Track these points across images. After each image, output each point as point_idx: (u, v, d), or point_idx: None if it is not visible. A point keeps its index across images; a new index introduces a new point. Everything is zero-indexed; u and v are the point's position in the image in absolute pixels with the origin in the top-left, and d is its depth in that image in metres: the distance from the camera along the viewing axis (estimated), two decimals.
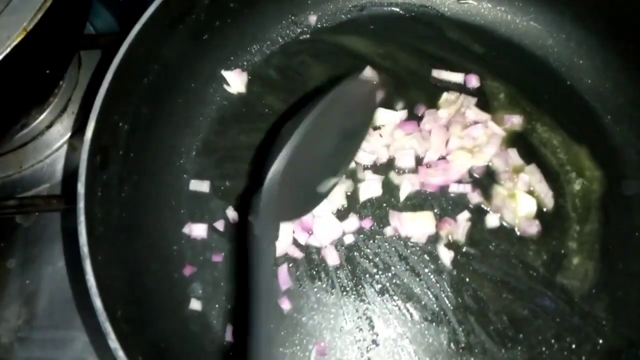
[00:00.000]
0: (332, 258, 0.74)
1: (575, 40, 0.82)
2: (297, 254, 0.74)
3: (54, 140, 0.91)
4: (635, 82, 0.78)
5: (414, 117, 0.81)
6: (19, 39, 0.62)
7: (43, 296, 0.83)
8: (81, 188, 0.59)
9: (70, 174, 0.89)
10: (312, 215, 0.75)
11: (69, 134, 0.91)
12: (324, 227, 0.74)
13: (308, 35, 0.87)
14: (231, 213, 0.76)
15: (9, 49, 0.62)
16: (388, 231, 0.75)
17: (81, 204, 0.58)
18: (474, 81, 0.82)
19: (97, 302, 0.55)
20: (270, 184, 0.56)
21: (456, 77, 0.83)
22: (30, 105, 0.80)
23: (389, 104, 0.82)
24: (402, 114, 0.81)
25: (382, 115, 0.80)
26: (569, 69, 0.83)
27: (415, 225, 0.74)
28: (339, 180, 0.70)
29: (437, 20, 0.87)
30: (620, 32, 0.77)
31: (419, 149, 0.79)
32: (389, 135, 0.80)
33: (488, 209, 0.76)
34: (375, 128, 0.80)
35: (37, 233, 0.87)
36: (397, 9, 0.88)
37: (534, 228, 0.74)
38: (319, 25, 0.88)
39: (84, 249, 0.57)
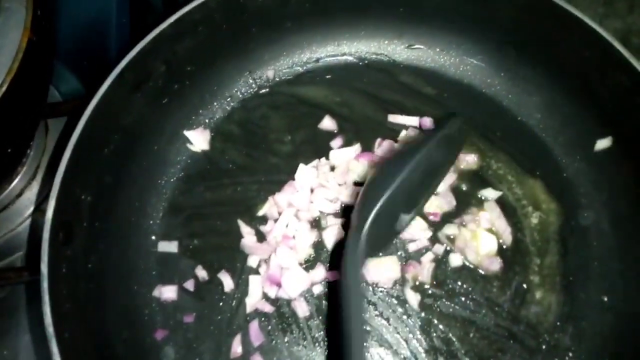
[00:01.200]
0: (302, 309, 0.75)
1: (522, 78, 0.85)
2: (268, 308, 0.75)
3: (24, 208, 0.92)
4: (582, 114, 0.81)
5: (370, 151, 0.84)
6: None
7: None
8: (44, 268, 0.60)
9: (38, 242, 0.90)
10: (280, 267, 0.76)
11: (39, 201, 0.92)
12: (292, 279, 0.76)
13: (267, 89, 0.90)
14: (200, 272, 0.77)
15: None
16: None
17: (45, 284, 0.60)
18: (428, 123, 0.85)
19: None
20: (367, 229, 0.60)
21: (411, 121, 0.86)
22: None
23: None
24: (357, 147, 0.84)
25: (337, 155, 0.83)
26: (518, 106, 0.86)
27: (381, 271, 0.76)
28: (415, 216, 0.72)
29: (389, 67, 0.90)
30: (564, 68, 0.80)
31: None
32: (344, 173, 0.82)
33: (450, 249, 0.78)
34: (332, 168, 0.83)
35: (12, 303, 0.87)
36: (351, 58, 0.91)
37: (496, 265, 0.76)
38: (277, 79, 0.90)
39: (49, 329, 0.58)
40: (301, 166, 0.82)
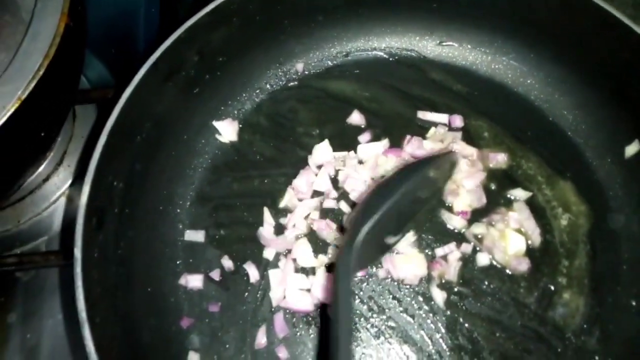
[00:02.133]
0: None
1: (555, 78, 0.84)
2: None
3: (50, 193, 0.93)
4: (615, 117, 0.80)
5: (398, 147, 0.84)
6: (14, 107, 0.64)
7: (44, 350, 0.84)
8: (77, 252, 0.61)
9: (67, 227, 0.91)
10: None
11: (65, 186, 0.93)
12: (320, 284, 0.75)
13: (296, 82, 0.90)
14: (226, 262, 0.78)
15: (4, 119, 0.64)
16: (381, 273, 0.76)
17: (78, 269, 0.60)
18: (458, 121, 0.85)
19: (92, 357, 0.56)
20: (360, 241, 0.63)
21: (441, 118, 0.85)
22: (27, 165, 0.82)
23: None
24: (385, 142, 0.83)
25: (365, 150, 0.83)
26: (550, 106, 0.85)
27: (408, 268, 0.76)
28: (403, 236, 0.76)
29: (420, 63, 0.90)
30: (598, 69, 0.79)
31: None
32: (372, 168, 0.82)
33: (478, 248, 0.77)
34: (360, 162, 0.83)
35: (36, 287, 0.88)
36: (381, 53, 0.91)
37: (524, 266, 0.75)
38: (306, 72, 0.90)
39: (82, 314, 0.58)
40: (317, 146, 0.83)
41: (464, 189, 0.80)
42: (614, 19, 0.73)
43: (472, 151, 0.82)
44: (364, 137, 0.85)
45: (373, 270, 0.77)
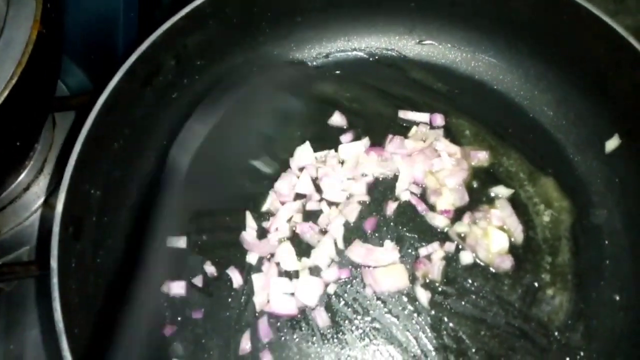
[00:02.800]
0: (322, 319, 0.74)
1: (535, 75, 0.85)
2: None
3: (31, 202, 0.92)
4: (595, 112, 0.80)
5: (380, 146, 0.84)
6: None
7: None
8: (54, 263, 0.60)
9: (45, 236, 0.90)
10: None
11: (46, 195, 0.92)
12: (304, 287, 0.75)
13: None
14: (209, 268, 0.77)
15: None
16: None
17: (54, 280, 0.59)
18: (439, 120, 0.85)
19: None
20: None
21: (422, 117, 0.85)
22: (5, 175, 0.81)
23: None
24: (366, 141, 0.83)
25: (346, 149, 0.83)
26: (531, 103, 0.85)
27: (389, 281, 0.75)
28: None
29: (400, 62, 0.90)
30: (577, 65, 0.80)
31: (385, 171, 0.81)
32: (353, 168, 0.81)
33: (461, 247, 0.77)
34: (341, 162, 0.82)
35: (19, 297, 0.87)
36: (361, 54, 0.91)
37: (507, 263, 0.75)
38: None
39: (59, 325, 0.57)
40: (298, 148, 0.82)
41: (447, 188, 0.79)
42: (592, 16, 0.73)
43: (455, 149, 0.82)
44: (345, 138, 0.85)
45: (357, 271, 0.77)
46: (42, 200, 0.92)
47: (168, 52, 0.75)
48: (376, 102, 0.88)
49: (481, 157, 0.82)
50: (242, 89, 0.77)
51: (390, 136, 0.83)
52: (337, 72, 0.90)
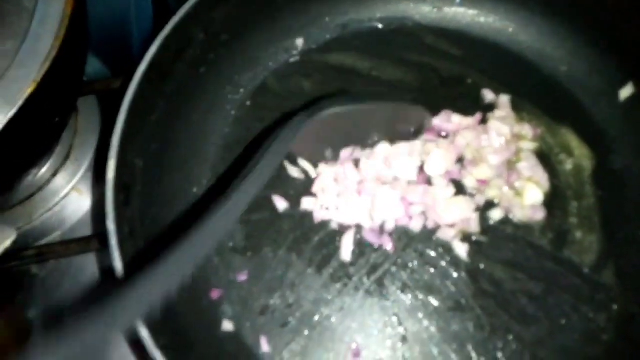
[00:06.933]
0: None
1: (547, 33, 0.88)
2: None
3: (60, 188, 0.93)
4: (607, 63, 0.84)
5: None
6: (31, 90, 0.65)
7: None
8: (111, 225, 0.61)
9: (81, 220, 0.91)
10: None
11: (75, 180, 0.93)
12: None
13: (297, 58, 0.92)
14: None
15: (21, 101, 0.64)
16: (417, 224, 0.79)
17: (114, 241, 0.61)
18: (489, 96, 0.87)
19: (144, 333, 0.57)
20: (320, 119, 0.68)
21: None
22: (41, 153, 0.82)
23: None
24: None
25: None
26: (544, 60, 0.89)
27: (455, 211, 0.78)
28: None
29: (415, 30, 0.93)
30: (587, 17, 0.83)
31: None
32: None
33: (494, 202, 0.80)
34: None
35: (55, 281, 0.87)
36: (377, 24, 0.94)
37: (540, 214, 0.78)
38: (306, 47, 0.92)
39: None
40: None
41: (488, 164, 0.81)
42: None
43: (506, 131, 0.83)
44: None
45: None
46: (71, 185, 0.93)
47: (198, 24, 0.77)
48: (396, 70, 0.90)
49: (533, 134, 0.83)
50: None
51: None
52: (355, 42, 0.93)
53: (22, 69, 0.66)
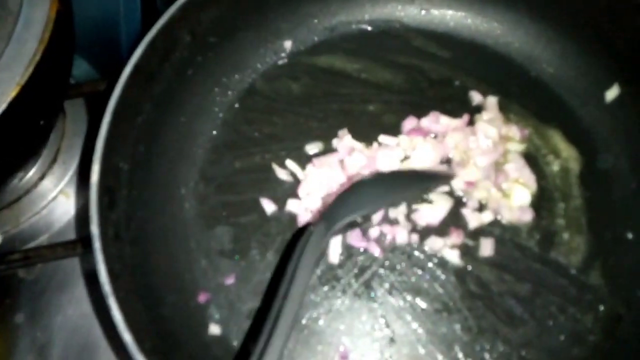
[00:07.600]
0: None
1: (534, 35, 0.89)
2: None
3: (47, 191, 0.93)
4: (593, 64, 0.84)
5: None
6: (15, 93, 0.64)
7: (56, 347, 0.83)
8: (95, 229, 0.61)
9: (67, 223, 0.91)
10: None
11: (62, 183, 0.92)
12: None
13: (286, 60, 0.92)
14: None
15: (5, 105, 0.64)
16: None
17: (97, 244, 0.60)
18: (476, 98, 0.87)
19: (127, 337, 0.57)
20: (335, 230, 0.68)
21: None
22: (27, 156, 0.81)
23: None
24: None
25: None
26: (531, 62, 0.89)
27: (438, 209, 0.78)
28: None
29: (403, 32, 0.93)
30: (573, 20, 0.84)
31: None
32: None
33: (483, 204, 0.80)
34: None
35: (42, 285, 0.87)
36: (365, 26, 0.94)
37: (527, 216, 0.78)
38: (294, 49, 0.92)
39: (106, 287, 0.58)
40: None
41: (475, 165, 0.81)
42: None
43: (494, 132, 0.83)
44: None
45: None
46: (58, 189, 0.93)
47: (184, 26, 0.77)
48: (385, 72, 0.90)
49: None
50: None
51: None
52: (344, 44, 0.93)
53: (5, 72, 0.65)
